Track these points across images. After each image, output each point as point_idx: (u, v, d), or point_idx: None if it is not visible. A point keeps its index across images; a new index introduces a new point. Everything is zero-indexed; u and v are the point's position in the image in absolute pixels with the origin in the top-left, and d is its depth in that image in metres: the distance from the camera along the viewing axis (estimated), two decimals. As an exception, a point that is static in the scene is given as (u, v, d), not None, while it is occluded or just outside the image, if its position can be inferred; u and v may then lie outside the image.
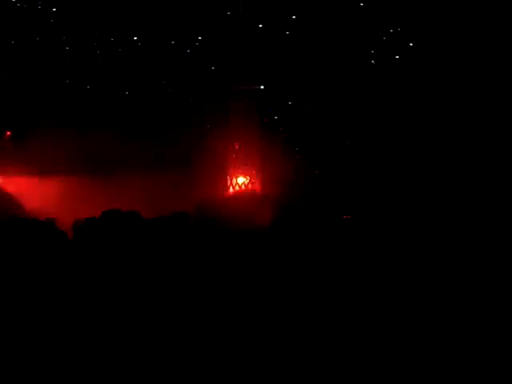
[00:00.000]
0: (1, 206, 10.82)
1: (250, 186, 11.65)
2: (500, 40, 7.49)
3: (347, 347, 3.27)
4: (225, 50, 10.91)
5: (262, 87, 10.72)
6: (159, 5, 9.75)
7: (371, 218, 8.60)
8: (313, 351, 3.23)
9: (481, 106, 7.84)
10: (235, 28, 10.40)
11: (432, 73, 8.42)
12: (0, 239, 5.25)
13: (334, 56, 9.78)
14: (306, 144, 10.71)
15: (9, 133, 11.87)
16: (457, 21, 7.72)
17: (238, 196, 11.75)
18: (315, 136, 10.59)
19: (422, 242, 6.51)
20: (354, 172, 9.74)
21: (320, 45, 9.65)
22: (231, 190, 12.12)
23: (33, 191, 11.80)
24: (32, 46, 10.31)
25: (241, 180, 12.03)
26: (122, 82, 11.01)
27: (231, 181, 12.35)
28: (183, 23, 10.27)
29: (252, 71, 11.38)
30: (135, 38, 10.52)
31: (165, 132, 11.47)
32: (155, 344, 3.23)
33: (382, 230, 7.43)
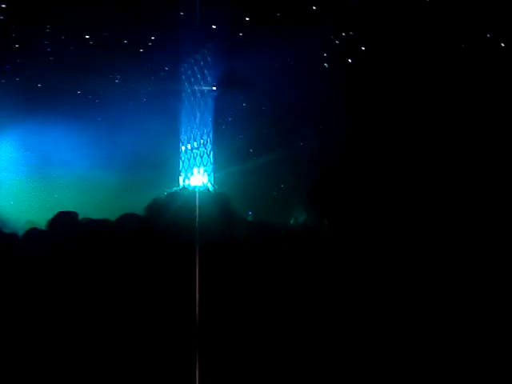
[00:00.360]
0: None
1: (205, 187, 11.64)
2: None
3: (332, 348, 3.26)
4: (179, 50, 10.88)
5: (214, 88, 10.71)
6: (113, 3, 9.64)
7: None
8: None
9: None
10: (190, 28, 10.37)
11: (383, 76, 8.53)
12: None
13: (289, 58, 9.83)
14: (262, 146, 10.74)
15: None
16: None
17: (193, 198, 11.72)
18: (271, 138, 10.63)
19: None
20: (311, 174, 9.79)
21: (275, 47, 9.68)
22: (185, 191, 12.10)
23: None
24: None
25: (195, 182, 12.01)
26: (73, 80, 10.87)
27: (185, 183, 12.33)
28: (137, 22, 10.19)
29: (206, 72, 11.38)
30: (87, 37, 10.41)
31: (117, 132, 11.38)
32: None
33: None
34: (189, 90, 11.94)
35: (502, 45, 7.11)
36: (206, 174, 11.82)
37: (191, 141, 12.21)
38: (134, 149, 11.22)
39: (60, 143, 11.30)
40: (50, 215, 4.09)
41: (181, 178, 12.53)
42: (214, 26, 10.10)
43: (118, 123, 11.31)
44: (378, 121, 8.52)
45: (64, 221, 3.98)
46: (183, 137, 12.50)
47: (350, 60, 9.15)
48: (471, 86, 7.16)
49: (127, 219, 3.75)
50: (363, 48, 8.91)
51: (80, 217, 4.29)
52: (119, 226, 3.74)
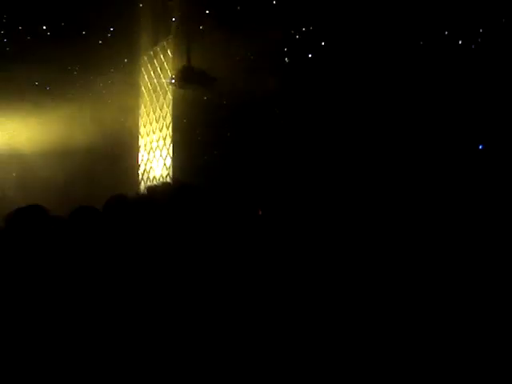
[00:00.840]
0: None
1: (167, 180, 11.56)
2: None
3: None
4: (138, 42, 10.81)
5: (174, 81, 10.66)
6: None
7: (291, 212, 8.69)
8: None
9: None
10: (150, 20, 10.31)
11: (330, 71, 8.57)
12: None
13: (246, 52, 9.82)
14: (222, 139, 10.70)
15: None
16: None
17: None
18: (230, 132, 10.60)
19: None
20: (271, 166, 9.80)
21: (233, 40, 9.67)
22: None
23: None
24: None
25: (154, 175, 11.97)
26: (30, 71, 10.70)
27: (144, 176, 12.28)
28: (95, 13, 10.10)
29: (166, 65, 11.32)
30: (44, 28, 10.27)
31: (75, 124, 11.26)
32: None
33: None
34: (148, 83, 11.87)
35: (460, 42, 7.20)
36: (165, 167, 11.76)
37: (150, 134, 12.14)
38: (93, 141, 11.12)
39: (16, 135, 11.16)
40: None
41: (140, 172, 12.46)
42: (173, 19, 10.04)
43: (76, 115, 11.20)
44: (337, 116, 8.58)
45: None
46: (142, 130, 12.43)
47: (310, 55, 9.19)
48: (431, 82, 7.24)
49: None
50: (323, 43, 8.95)
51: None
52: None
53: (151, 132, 12.11)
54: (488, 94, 6.64)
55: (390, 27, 7.82)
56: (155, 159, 12.04)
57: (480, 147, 7.13)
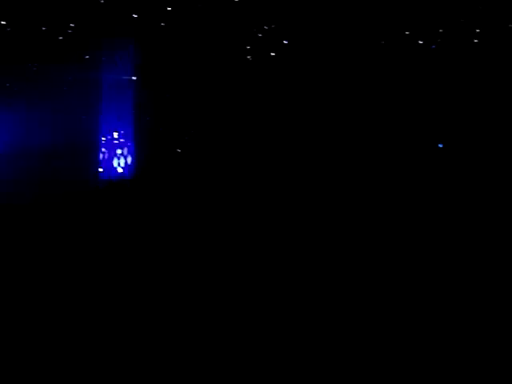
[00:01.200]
0: None
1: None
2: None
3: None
4: (99, 38, 10.70)
5: (134, 78, 10.59)
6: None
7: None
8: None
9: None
10: (110, 16, 10.22)
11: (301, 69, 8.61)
12: None
13: (212, 49, 9.81)
14: (185, 136, 10.68)
15: None
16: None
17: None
18: (193, 130, 10.58)
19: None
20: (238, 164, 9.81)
21: (197, 37, 9.65)
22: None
23: None
24: None
25: (115, 173, 11.86)
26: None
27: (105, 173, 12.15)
28: (55, 9, 9.99)
29: (125, 61, 11.24)
30: (3, 23, 10.14)
31: (34, 122, 11.12)
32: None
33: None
34: (110, 80, 11.75)
35: (420, 42, 7.28)
36: (126, 165, 11.68)
37: (112, 131, 12.04)
38: (52, 139, 11.00)
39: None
40: None
41: (100, 169, 12.33)
42: (134, 15, 10.00)
43: (36, 112, 11.05)
44: (304, 114, 8.64)
45: None
46: (104, 127, 12.31)
47: (272, 53, 9.21)
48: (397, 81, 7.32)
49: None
50: (285, 42, 8.98)
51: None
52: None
53: (112, 129, 12.01)
54: (448, 93, 6.74)
55: (353, 26, 7.88)
56: (116, 157, 11.94)
57: (440, 146, 7.22)
